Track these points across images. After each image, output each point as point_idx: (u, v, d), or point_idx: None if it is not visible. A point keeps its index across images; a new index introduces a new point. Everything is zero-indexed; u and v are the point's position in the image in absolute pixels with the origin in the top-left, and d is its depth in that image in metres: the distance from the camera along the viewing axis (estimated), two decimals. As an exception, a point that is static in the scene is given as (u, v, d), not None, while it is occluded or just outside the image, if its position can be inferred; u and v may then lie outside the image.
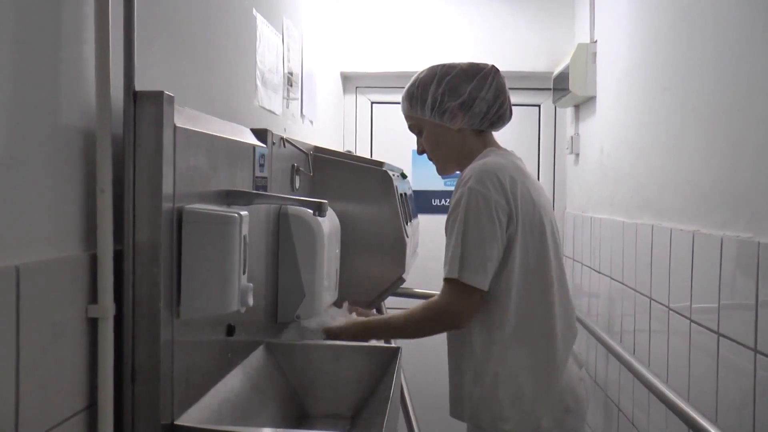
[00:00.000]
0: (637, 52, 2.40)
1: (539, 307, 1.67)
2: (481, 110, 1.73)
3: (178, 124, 1.14)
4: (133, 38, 1.09)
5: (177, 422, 1.15)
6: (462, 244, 1.61)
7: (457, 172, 1.82)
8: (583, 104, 3.15)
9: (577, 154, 3.27)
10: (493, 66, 1.78)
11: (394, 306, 3.13)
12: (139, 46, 1.26)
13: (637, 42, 2.40)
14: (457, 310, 1.64)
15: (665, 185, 2.08)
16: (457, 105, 1.72)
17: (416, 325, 1.75)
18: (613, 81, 2.68)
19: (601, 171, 2.81)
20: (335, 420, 1.69)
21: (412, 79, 1.82)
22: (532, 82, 3.61)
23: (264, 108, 2.14)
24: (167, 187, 1.11)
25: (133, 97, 1.08)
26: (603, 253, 2.73)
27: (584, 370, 1.84)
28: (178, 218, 1.15)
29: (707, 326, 1.73)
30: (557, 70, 3.19)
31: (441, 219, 2.80)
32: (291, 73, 2.49)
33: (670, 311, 1.99)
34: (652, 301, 2.14)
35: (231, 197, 1.39)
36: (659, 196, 2.13)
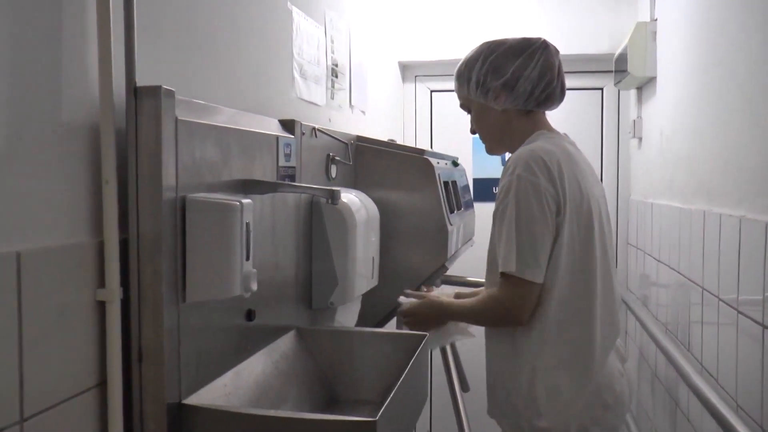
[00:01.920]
0: (694, 28, 2.28)
1: (581, 302, 1.61)
2: (526, 90, 1.66)
3: (180, 117, 1.19)
4: (133, 36, 1.14)
5: (184, 402, 1.21)
6: (516, 237, 1.56)
7: (508, 154, 1.76)
8: (645, 86, 3.01)
9: (640, 138, 3.14)
10: (543, 41, 1.69)
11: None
12: (157, 44, 1.33)
13: (695, 17, 2.28)
14: (516, 306, 1.59)
15: (716, 168, 1.97)
16: (499, 84, 1.67)
17: (479, 317, 1.74)
18: (672, 60, 2.55)
19: (661, 155, 2.69)
20: (362, 405, 1.72)
21: (463, 57, 1.79)
22: (594, 65, 3.49)
23: (303, 99, 2.18)
24: (169, 178, 1.16)
25: (134, 92, 1.14)
26: (663, 241, 2.62)
27: (627, 365, 1.77)
28: (182, 207, 1.20)
29: (753, 318, 1.63)
30: (618, 51, 3.07)
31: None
32: (336, 65, 2.53)
33: (720, 302, 1.89)
34: (704, 291, 2.04)
35: (247, 186, 1.43)
36: (711, 180, 2.02)
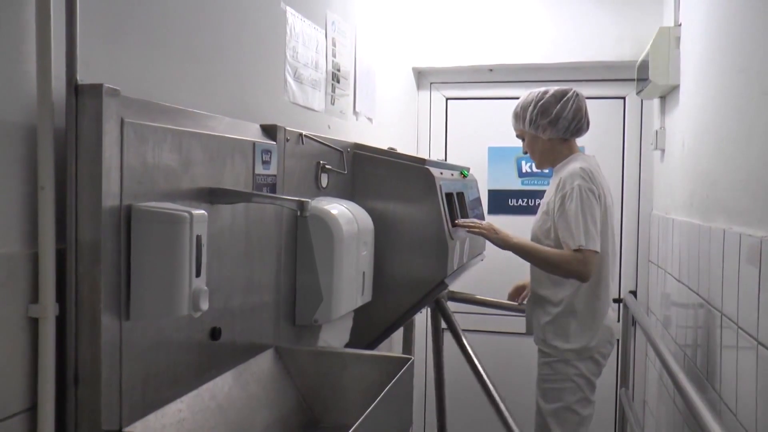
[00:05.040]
0: (718, 33, 2.12)
1: (603, 267, 2.30)
2: (563, 125, 2.34)
3: (128, 119, 1.09)
4: (75, 25, 1.05)
5: (125, 429, 1.10)
6: (583, 221, 2.19)
7: (550, 168, 2.47)
8: (669, 95, 2.85)
9: (663, 150, 2.97)
10: (575, 91, 2.37)
11: (457, 311, 2.99)
12: (124, 42, 1.24)
13: (719, 22, 2.12)
14: (586, 270, 2.20)
15: (737, 183, 1.81)
16: (546, 122, 2.35)
17: (553, 261, 2.25)
18: (695, 67, 2.39)
19: (682, 168, 2.52)
20: (343, 431, 1.60)
21: (518, 101, 2.43)
22: (615, 72, 3.32)
23: (297, 104, 2.08)
24: (112, 184, 1.06)
25: (75, 90, 1.04)
26: (682, 261, 2.45)
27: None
28: (128, 216, 1.10)
29: (774, 350, 1.47)
30: (640, 58, 2.91)
31: (517, 220, 2.68)
32: (338, 69, 2.42)
33: (739, 329, 1.72)
34: (723, 317, 1.88)
35: (214, 195, 1.33)
36: (732, 195, 1.86)
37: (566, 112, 2.32)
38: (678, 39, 2.59)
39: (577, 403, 2.32)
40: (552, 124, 2.33)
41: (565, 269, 2.23)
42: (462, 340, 2.54)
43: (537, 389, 2.40)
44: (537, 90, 2.40)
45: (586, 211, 2.19)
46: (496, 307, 2.80)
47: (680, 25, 2.62)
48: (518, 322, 2.88)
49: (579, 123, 2.36)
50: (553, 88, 2.37)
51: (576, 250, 2.18)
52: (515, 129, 2.47)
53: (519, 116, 2.42)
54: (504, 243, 2.32)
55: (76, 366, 1.06)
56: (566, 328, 2.31)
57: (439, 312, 2.68)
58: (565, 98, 2.33)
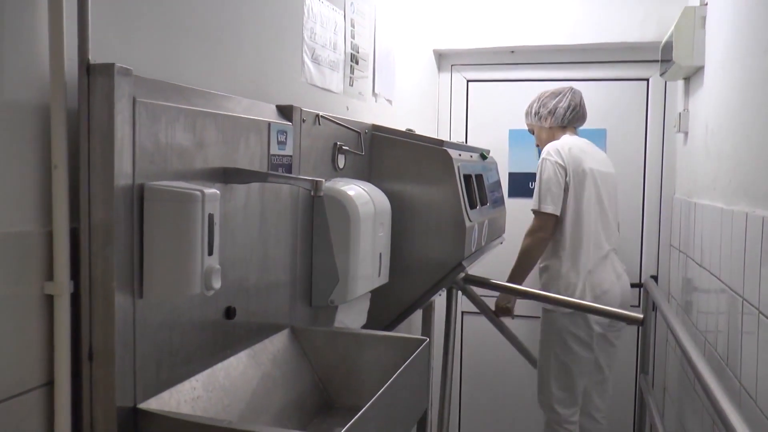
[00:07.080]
0: (745, 13, 2.07)
1: (578, 228, 2.76)
2: (560, 114, 2.92)
3: (140, 98, 1.09)
4: (87, 4, 1.05)
5: (140, 406, 1.12)
6: (541, 188, 2.75)
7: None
8: (693, 76, 2.79)
9: (686, 133, 2.91)
10: (570, 88, 2.96)
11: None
12: (141, 23, 1.24)
13: (746, 1, 2.07)
14: (541, 228, 2.75)
15: (761, 166, 1.77)
16: (546, 112, 2.94)
17: (525, 259, 2.84)
18: (720, 48, 2.33)
19: (705, 151, 2.47)
20: (356, 413, 1.60)
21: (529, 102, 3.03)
22: (639, 54, 3.26)
23: (315, 86, 2.07)
24: (124, 163, 1.07)
25: (87, 70, 1.05)
26: (704, 245, 2.41)
27: (623, 279, 2.87)
28: (141, 195, 1.10)
29: (794, 335, 1.44)
30: (664, 39, 2.85)
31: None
32: (357, 51, 2.41)
33: (761, 315, 1.70)
34: (744, 302, 1.85)
35: (227, 175, 1.34)
36: (755, 178, 1.82)
37: (561, 103, 2.91)
38: (703, 19, 2.53)
39: (563, 355, 2.77)
40: (551, 114, 2.93)
41: (531, 249, 2.79)
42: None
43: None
44: (542, 91, 3.00)
45: (543, 180, 2.74)
46: (511, 292, 2.79)
47: (706, 4, 2.56)
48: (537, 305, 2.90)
49: (573, 113, 2.92)
50: (552, 88, 2.98)
51: (534, 213, 2.76)
52: (527, 125, 3.06)
53: (527, 113, 3.02)
54: (511, 285, 2.71)
55: (91, 343, 1.08)
56: (553, 289, 2.77)
57: (463, 293, 2.67)
58: (561, 94, 2.94)
